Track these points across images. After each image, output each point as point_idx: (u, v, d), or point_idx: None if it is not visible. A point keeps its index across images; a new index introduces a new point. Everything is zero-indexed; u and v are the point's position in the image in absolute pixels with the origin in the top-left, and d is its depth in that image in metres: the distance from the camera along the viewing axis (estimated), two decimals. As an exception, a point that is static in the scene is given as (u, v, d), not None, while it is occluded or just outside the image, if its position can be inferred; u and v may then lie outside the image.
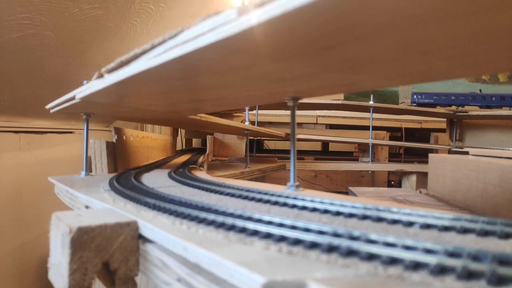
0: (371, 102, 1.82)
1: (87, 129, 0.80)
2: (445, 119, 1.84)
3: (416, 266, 0.23)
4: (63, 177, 0.73)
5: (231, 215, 0.36)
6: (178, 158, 1.28)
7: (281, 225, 0.31)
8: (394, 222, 0.34)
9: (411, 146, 2.00)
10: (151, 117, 0.99)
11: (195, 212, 0.36)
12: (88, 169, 0.80)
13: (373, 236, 0.27)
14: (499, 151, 1.24)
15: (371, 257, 0.24)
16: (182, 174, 0.74)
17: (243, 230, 0.31)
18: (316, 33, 0.25)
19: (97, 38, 1.14)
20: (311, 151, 2.60)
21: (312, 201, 0.42)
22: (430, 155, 1.17)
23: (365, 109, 1.88)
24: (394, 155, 2.38)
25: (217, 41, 0.27)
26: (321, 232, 0.29)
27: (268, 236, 0.29)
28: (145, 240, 0.36)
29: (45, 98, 0.88)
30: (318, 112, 2.20)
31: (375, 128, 2.07)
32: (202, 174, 0.80)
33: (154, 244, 0.35)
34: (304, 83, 0.45)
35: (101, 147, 0.83)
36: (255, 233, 0.30)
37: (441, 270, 0.22)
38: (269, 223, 0.32)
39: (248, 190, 0.50)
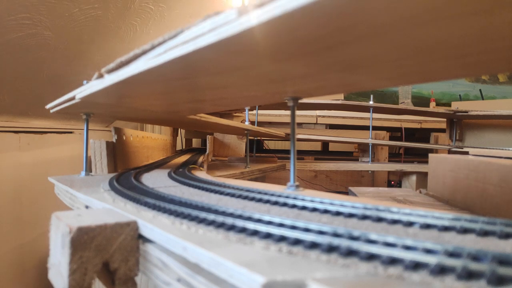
0: (371, 102, 1.82)
1: (87, 129, 0.80)
2: (445, 119, 1.84)
3: (416, 266, 0.23)
4: (63, 177, 0.73)
5: (231, 215, 0.36)
6: (178, 158, 1.28)
7: (281, 225, 0.31)
8: (394, 222, 0.34)
9: (411, 146, 2.00)
10: (151, 117, 0.99)
11: (195, 212, 0.36)
12: (88, 169, 0.80)
13: (373, 236, 0.27)
14: (499, 151, 1.24)
15: (371, 257, 0.24)
16: (182, 174, 0.74)
17: (243, 230, 0.31)
18: (316, 33, 0.25)
19: (97, 38, 1.14)
20: (311, 151, 2.59)
21: (312, 201, 0.42)
22: (430, 155, 1.17)
23: (365, 109, 1.88)
24: (394, 155, 2.38)
25: (217, 42, 0.27)
26: (321, 232, 0.29)
27: (268, 236, 0.29)
28: (145, 240, 0.36)
29: (45, 98, 0.88)
30: (318, 112, 2.20)
31: (375, 128, 2.07)
32: (202, 174, 0.80)
33: (154, 244, 0.35)
34: (304, 83, 0.45)
35: (101, 147, 0.83)
36: (255, 233, 0.30)
37: (441, 270, 0.22)
38: (269, 223, 0.32)
39: (248, 190, 0.50)
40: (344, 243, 0.26)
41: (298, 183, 0.55)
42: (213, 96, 0.59)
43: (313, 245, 0.27)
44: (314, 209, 0.40)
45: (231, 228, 0.32)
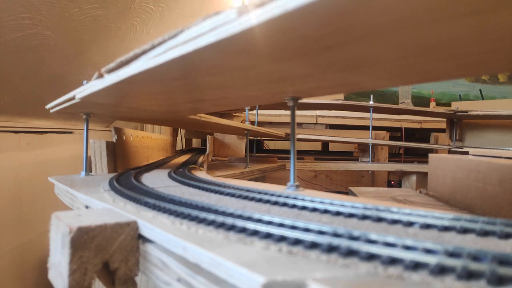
0: (371, 102, 1.82)
1: (87, 129, 0.80)
2: (445, 119, 1.84)
3: (416, 266, 0.23)
4: (63, 177, 0.73)
5: (231, 215, 0.36)
6: (178, 158, 1.28)
7: (281, 225, 0.31)
8: (394, 222, 0.34)
9: (411, 146, 2.00)
10: (151, 117, 0.99)
11: (195, 212, 0.36)
12: (88, 169, 0.80)
13: (373, 236, 0.27)
14: (499, 151, 1.24)
15: (371, 257, 0.24)
16: (182, 174, 0.74)
17: (243, 230, 0.31)
18: (316, 33, 0.25)
19: (97, 38, 1.14)
20: (311, 151, 2.59)
21: (312, 201, 0.42)
22: (430, 155, 1.17)
23: (365, 109, 1.88)
24: (394, 155, 2.38)
25: (217, 41, 0.27)
26: (321, 232, 0.29)
27: (268, 236, 0.29)
28: (145, 240, 0.36)
29: (45, 98, 0.88)
30: (318, 112, 2.20)
31: (375, 128, 2.07)
32: (202, 174, 0.80)
33: (154, 244, 0.35)
34: (304, 83, 0.45)
35: (101, 147, 0.83)
36: (255, 233, 0.30)
37: (441, 270, 0.22)
38: (269, 223, 0.32)
39: (248, 190, 0.50)
40: (344, 243, 0.26)
41: (298, 183, 0.55)
42: (213, 96, 0.59)
43: (313, 245, 0.27)
44: (314, 209, 0.40)
45: (231, 228, 0.32)
